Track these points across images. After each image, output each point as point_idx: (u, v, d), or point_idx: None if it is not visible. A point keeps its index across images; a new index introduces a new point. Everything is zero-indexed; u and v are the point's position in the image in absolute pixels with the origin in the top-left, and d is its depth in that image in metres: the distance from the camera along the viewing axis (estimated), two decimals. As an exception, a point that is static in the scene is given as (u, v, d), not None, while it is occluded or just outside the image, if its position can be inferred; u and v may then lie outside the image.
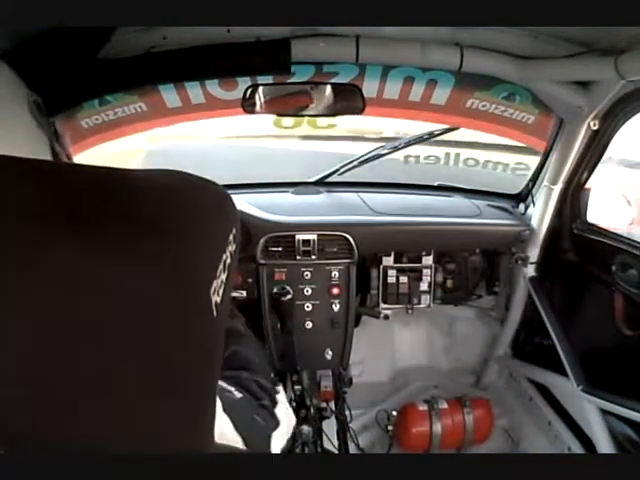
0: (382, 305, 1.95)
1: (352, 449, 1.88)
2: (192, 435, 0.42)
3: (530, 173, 1.89)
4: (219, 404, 0.61)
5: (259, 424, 0.67)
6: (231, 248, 0.46)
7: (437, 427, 1.93)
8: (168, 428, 0.39)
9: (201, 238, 0.42)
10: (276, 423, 0.70)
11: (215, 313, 0.41)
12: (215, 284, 0.42)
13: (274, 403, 0.74)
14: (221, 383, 0.67)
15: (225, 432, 0.59)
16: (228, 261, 0.45)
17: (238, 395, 0.68)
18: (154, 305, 0.36)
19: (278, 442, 0.69)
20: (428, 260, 1.94)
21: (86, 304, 0.32)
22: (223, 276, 0.44)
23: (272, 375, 0.83)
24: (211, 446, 0.47)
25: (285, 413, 0.75)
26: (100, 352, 0.33)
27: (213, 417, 0.47)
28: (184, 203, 0.42)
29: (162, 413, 0.37)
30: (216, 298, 0.42)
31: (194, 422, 0.42)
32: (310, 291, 1.77)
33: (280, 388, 0.79)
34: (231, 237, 0.47)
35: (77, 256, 0.32)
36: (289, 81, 1.65)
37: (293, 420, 0.78)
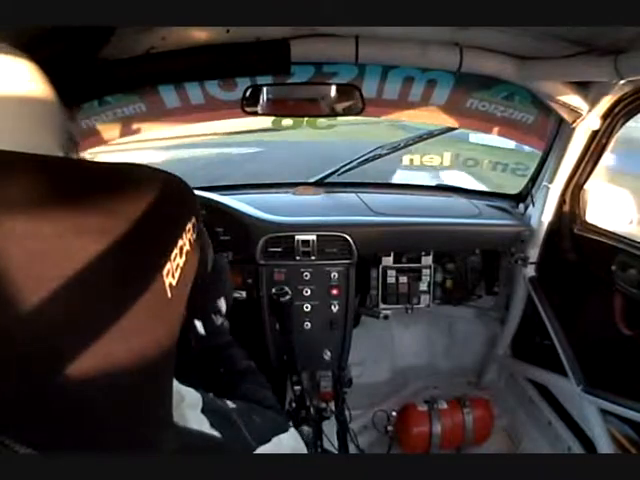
0: (382, 305, 1.95)
1: (352, 449, 1.88)
2: (148, 412, 0.44)
3: (530, 173, 1.90)
4: (200, 404, 0.63)
5: (243, 434, 0.68)
6: (190, 236, 0.49)
7: (437, 427, 1.93)
8: (125, 403, 0.40)
9: (153, 223, 0.44)
10: (265, 440, 0.71)
11: (170, 294, 0.43)
12: (169, 267, 0.44)
13: (278, 430, 0.75)
14: (213, 396, 0.69)
15: (201, 426, 0.61)
16: (186, 248, 0.48)
17: (231, 405, 0.69)
18: (105, 282, 0.38)
19: None
20: (427, 260, 1.94)
21: (32, 275, 0.34)
22: (179, 260, 0.46)
23: (281, 413, 0.85)
24: (169, 426, 0.49)
25: (287, 443, 0.75)
26: (62, 335, 0.35)
27: (170, 394, 0.49)
28: (139, 192, 0.44)
29: (112, 396, 0.39)
30: (171, 280, 0.44)
31: (148, 404, 0.44)
32: (309, 292, 1.76)
33: (290, 424, 0.81)
34: (189, 225, 0.49)
35: (33, 239, 0.35)
36: (288, 82, 1.65)
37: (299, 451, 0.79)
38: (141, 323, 0.40)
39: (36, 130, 0.53)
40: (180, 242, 0.46)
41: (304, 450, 0.82)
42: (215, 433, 0.62)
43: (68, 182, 0.40)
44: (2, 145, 0.49)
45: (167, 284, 0.43)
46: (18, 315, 0.33)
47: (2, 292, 0.32)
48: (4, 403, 0.33)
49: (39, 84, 0.55)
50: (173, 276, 0.44)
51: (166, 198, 0.47)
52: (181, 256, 0.46)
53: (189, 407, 0.60)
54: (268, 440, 0.72)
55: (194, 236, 0.50)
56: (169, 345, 0.45)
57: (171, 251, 0.45)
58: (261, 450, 0.69)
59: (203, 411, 0.63)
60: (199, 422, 0.61)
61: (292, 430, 0.80)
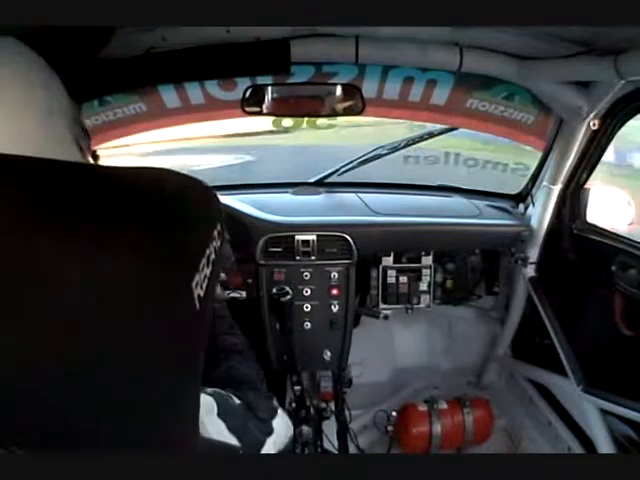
0: (382, 305, 1.95)
1: (352, 449, 1.88)
2: (174, 427, 0.43)
3: (530, 173, 1.90)
4: (215, 408, 0.63)
5: (253, 431, 0.68)
6: (215, 244, 0.47)
7: (437, 427, 1.93)
8: (148, 420, 0.39)
9: (181, 232, 0.43)
10: (270, 431, 0.71)
11: (198, 306, 0.42)
12: (198, 278, 0.43)
13: (272, 415, 0.75)
14: (221, 391, 0.68)
15: (220, 434, 0.61)
16: (212, 257, 0.46)
17: (237, 402, 0.69)
18: (133, 294, 0.36)
19: (270, 449, 0.69)
20: (428, 260, 1.94)
21: (63, 297, 0.33)
22: (207, 270, 0.45)
23: (267, 392, 0.84)
24: (195, 438, 0.48)
25: (282, 423, 0.76)
26: (79, 345, 0.34)
27: (196, 409, 0.48)
28: (164, 198, 0.43)
29: (143, 405, 0.38)
30: (199, 291, 0.43)
31: (175, 414, 0.42)
32: (309, 292, 1.76)
33: (276, 403, 0.80)
34: (215, 233, 0.48)
35: (52, 251, 0.33)
36: (288, 81, 1.65)
37: (290, 431, 0.79)
38: (165, 338, 0.39)
39: (49, 122, 0.52)
40: (207, 251, 0.45)
41: (290, 427, 0.81)
42: (233, 438, 0.61)
43: (91, 190, 0.38)
44: (14, 138, 0.49)
45: (196, 296, 0.42)
46: (34, 324, 0.32)
47: (16, 305, 0.32)
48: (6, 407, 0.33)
49: (49, 77, 0.55)
50: (201, 287, 0.43)
51: (194, 205, 0.46)
52: (208, 266, 0.45)
53: (206, 413, 0.60)
54: (271, 430, 0.72)
55: (218, 243, 0.48)
56: (195, 360, 0.44)
57: (199, 261, 0.43)
58: (269, 441, 0.70)
59: (219, 415, 0.63)
60: (217, 428, 0.61)
61: (280, 411, 0.79)
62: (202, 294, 0.43)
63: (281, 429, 0.74)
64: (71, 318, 0.33)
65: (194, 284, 0.42)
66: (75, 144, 0.57)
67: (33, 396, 0.33)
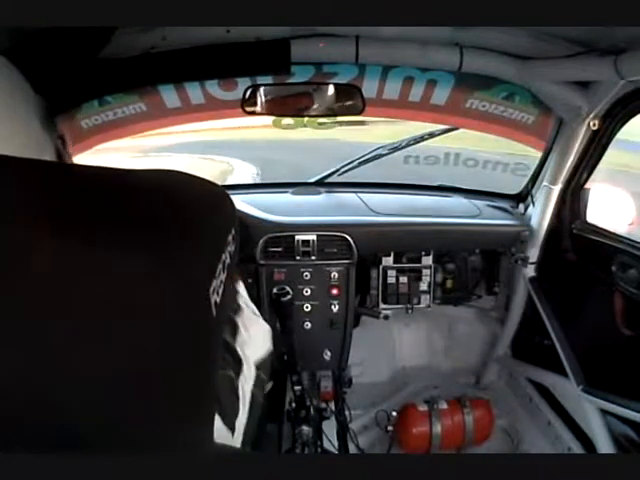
0: (382, 305, 1.95)
1: (352, 449, 1.88)
2: (190, 432, 0.42)
3: (530, 173, 1.90)
4: None
5: (231, 378, 0.67)
6: (230, 248, 0.46)
7: (437, 427, 1.93)
8: (165, 424, 0.39)
9: (199, 237, 0.42)
10: (239, 366, 0.70)
11: (214, 313, 0.41)
12: (215, 283, 0.42)
13: (235, 331, 0.73)
14: None
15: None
16: (227, 261, 0.45)
17: None
18: (150, 300, 0.36)
19: (247, 392, 0.68)
20: (428, 260, 1.94)
21: (75, 299, 0.33)
22: (222, 276, 0.44)
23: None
24: (210, 442, 0.47)
25: (256, 336, 0.74)
26: (91, 347, 0.33)
27: (212, 413, 0.48)
28: (181, 202, 0.42)
29: (160, 409, 0.38)
30: (215, 298, 0.42)
31: (192, 416, 0.42)
32: (309, 292, 1.77)
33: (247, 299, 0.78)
34: (230, 237, 0.47)
35: (66, 254, 0.33)
36: (289, 81, 1.65)
37: (268, 336, 0.77)
38: (182, 343, 0.38)
39: (24, 129, 0.52)
40: (223, 256, 0.44)
41: (267, 333, 0.79)
42: (220, 422, 0.61)
43: (106, 193, 0.38)
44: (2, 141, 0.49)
45: (212, 302, 0.41)
46: (45, 332, 0.32)
47: (28, 308, 0.32)
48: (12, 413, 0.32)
49: (22, 85, 0.55)
50: (217, 293, 0.42)
51: (209, 209, 0.45)
52: (224, 271, 0.44)
53: None
54: (241, 365, 0.70)
55: (233, 248, 0.48)
56: (211, 365, 0.44)
57: (216, 267, 0.43)
58: (241, 381, 0.69)
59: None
60: None
61: (258, 322, 0.77)
62: (218, 300, 0.42)
63: (250, 354, 0.72)
64: (84, 319, 0.33)
65: (211, 290, 0.41)
66: (53, 148, 0.57)
67: (41, 397, 0.32)
